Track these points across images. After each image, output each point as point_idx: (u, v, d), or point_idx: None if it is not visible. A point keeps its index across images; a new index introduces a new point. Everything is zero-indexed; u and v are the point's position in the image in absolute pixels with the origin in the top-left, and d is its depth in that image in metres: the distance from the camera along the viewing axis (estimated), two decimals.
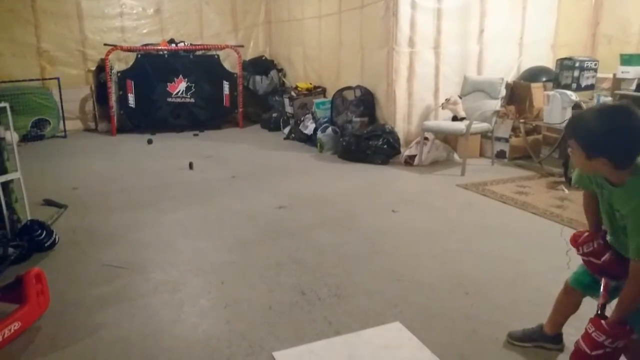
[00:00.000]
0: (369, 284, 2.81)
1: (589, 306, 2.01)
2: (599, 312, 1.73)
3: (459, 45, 5.82)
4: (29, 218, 3.42)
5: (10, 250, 3.03)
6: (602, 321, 1.65)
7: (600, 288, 1.81)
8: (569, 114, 4.93)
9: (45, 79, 7.49)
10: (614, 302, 1.73)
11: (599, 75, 5.52)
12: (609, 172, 1.63)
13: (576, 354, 1.71)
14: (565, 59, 5.50)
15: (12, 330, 2.26)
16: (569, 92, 4.91)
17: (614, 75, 5.51)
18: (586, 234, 1.87)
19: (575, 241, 1.88)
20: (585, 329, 1.69)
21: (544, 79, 5.88)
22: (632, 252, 1.60)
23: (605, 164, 1.59)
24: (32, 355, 2.22)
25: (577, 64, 5.38)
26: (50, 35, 7.57)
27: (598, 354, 1.62)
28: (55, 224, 3.72)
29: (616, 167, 1.59)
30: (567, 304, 2.09)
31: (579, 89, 5.31)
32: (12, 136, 3.36)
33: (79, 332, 2.38)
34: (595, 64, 5.45)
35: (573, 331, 2.28)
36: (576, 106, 5.01)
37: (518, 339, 2.22)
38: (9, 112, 3.32)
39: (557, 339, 2.19)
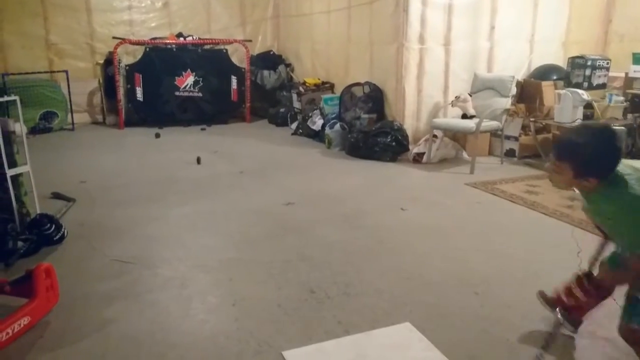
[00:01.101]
0: (378, 282, 2.80)
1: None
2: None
3: (469, 42, 5.78)
4: (38, 211, 3.43)
5: (20, 243, 3.04)
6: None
7: None
8: (580, 113, 4.88)
9: (54, 72, 7.50)
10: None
11: (610, 74, 5.46)
12: (592, 187, 1.74)
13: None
14: (577, 57, 5.44)
15: (22, 325, 2.26)
16: (580, 91, 4.86)
17: (626, 74, 5.46)
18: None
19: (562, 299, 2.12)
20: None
21: (554, 77, 5.82)
22: (629, 247, 1.76)
23: (593, 182, 1.71)
24: (41, 350, 2.21)
25: (588, 63, 5.32)
26: (58, 27, 7.58)
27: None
28: (64, 218, 3.72)
29: (600, 180, 1.71)
30: (592, 295, 2.09)
31: (590, 87, 5.26)
32: (22, 129, 3.36)
33: (87, 328, 2.38)
34: (607, 63, 5.38)
35: (586, 334, 2.27)
36: (588, 105, 4.97)
37: (546, 301, 2.27)
38: (19, 106, 3.33)
39: (575, 324, 2.18)
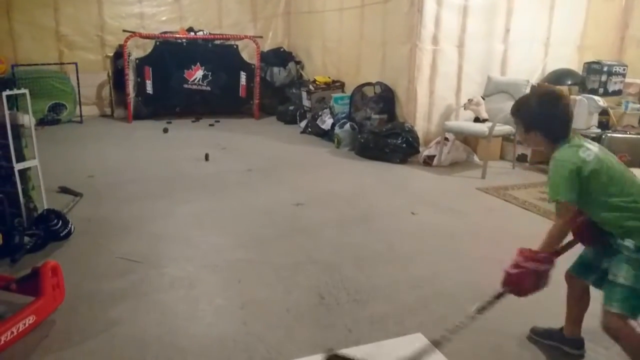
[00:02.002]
0: (389, 289, 2.74)
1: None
2: None
3: (483, 44, 5.71)
4: (45, 206, 3.39)
5: (26, 239, 3.00)
6: (524, 249, 1.93)
7: (592, 270, 2.06)
8: (595, 119, 4.81)
9: (64, 64, 7.47)
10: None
11: (626, 80, 5.38)
12: (545, 145, 1.99)
13: (503, 277, 1.96)
14: (593, 62, 5.37)
15: (27, 324, 2.22)
16: (596, 98, 4.79)
17: None
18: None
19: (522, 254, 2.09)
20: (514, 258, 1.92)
21: (569, 82, 5.74)
22: (551, 195, 1.93)
23: (539, 136, 1.98)
24: (46, 350, 2.18)
25: (605, 69, 5.25)
26: (69, 19, 7.55)
27: (513, 272, 1.90)
28: (70, 213, 3.69)
29: (550, 140, 1.97)
30: (573, 295, 2.18)
31: (606, 93, 5.19)
32: (30, 123, 3.32)
33: (93, 327, 2.34)
34: (624, 69, 5.31)
35: (603, 350, 2.21)
36: (603, 112, 4.89)
37: (539, 335, 2.28)
38: (28, 99, 3.29)
39: (576, 344, 2.20)
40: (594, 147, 1.93)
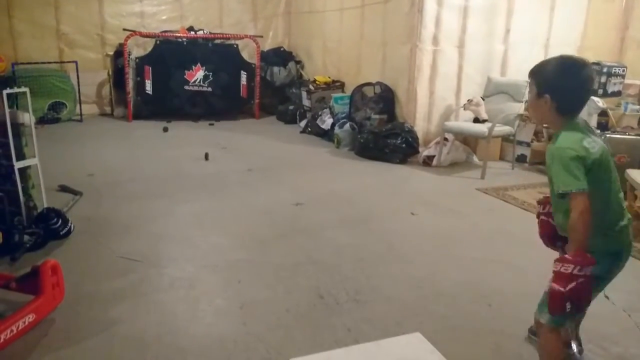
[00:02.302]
0: (388, 289, 2.75)
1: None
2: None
3: (483, 44, 5.71)
4: (45, 205, 3.39)
5: (26, 237, 3.00)
6: (565, 255, 1.69)
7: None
8: (594, 120, 4.81)
9: (64, 62, 7.47)
10: None
11: (626, 81, 5.38)
12: (551, 118, 1.79)
13: (552, 297, 1.68)
14: (593, 63, 5.35)
15: (26, 323, 2.22)
16: (595, 99, 4.80)
17: None
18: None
19: (545, 201, 2.05)
20: (553, 270, 1.68)
21: None
22: (558, 188, 1.69)
23: (548, 105, 1.75)
24: (46, 349, 2.18)
25: (604, 70, 5.25)
26: (69, 17, 7.54)
27: (572, 287, 1.62)
28: (70, 212, 3.69)
29: (558, 113, 1.76)
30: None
31: (605, 95, 5.19)
32: (31, 121, 3.32)
33: (93, 327, 2.34)
34: (624, 70, 5.31)
35: (600, 351, 2.22)
36: (603, 113, 4.90)
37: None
38: (28, 98, 3.29)
39: (575, 343, 2.17)
40: (599, 141, 1.76)
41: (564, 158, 1.67)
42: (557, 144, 1.73)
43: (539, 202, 2.11)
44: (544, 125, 1.88)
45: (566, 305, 1.65)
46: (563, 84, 1.74)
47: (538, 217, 2.11)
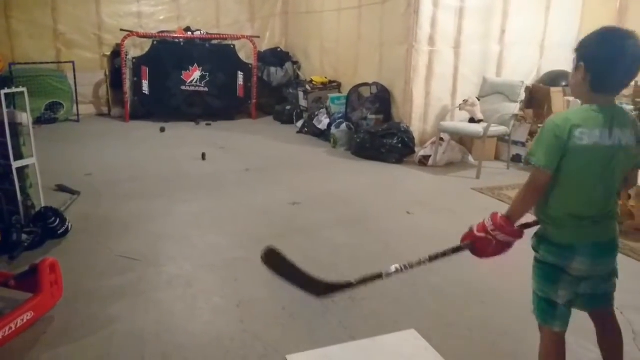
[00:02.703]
0: (384, 288, 2.76)
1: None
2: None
3: (479, 45, 5.75)
4: (43, 204, 3.41)
5: (24, 236, 3.02)
6: (498, 214, 1.73)
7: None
8: None
9: (61, 62, 7.48)
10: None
11: None
12: (583, 91, 1.62)
13: (466, 234, 1.85)
14: None
15: (25, 320, 2.24)
16: None
17: (636, 82, 5.41)
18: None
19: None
20: (483, 220, 1.78)
21: (563, 84, 5.78)
22: (528, 154, 1.71)
23: (582, 73, 1.58)
24: (44, 347, 2.20)
25: None
26: (67, 17, 7.55)
27: (480, 237, 1.76)
28: (68, 211, 3.71)
29: (591, 84, 1.57)
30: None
31: None
32: (29, 120, 3.34)
33: (92, 324, 2.36)
34: None
35: (592, 347, 2.25)
36: None
37: None
38: (26, 98, 3.30)
39: None
40: (618, 135, 1.58)
41: (545, 132, 1.60)
42: (550, 117, 1.66)
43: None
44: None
45: (466, 246, 1.84)
46: (599, 53, 1.55)
47: None
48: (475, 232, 1.78)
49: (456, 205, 4.19)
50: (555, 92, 5.65)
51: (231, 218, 3.79)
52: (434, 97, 5.73)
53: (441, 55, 5.62)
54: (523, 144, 5.55)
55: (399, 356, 2.21)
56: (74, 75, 7.30)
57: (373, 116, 5.98)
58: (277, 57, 8.47)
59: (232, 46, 7.86)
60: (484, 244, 1.77)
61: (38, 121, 6.83)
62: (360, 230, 3.61)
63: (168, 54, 7.46)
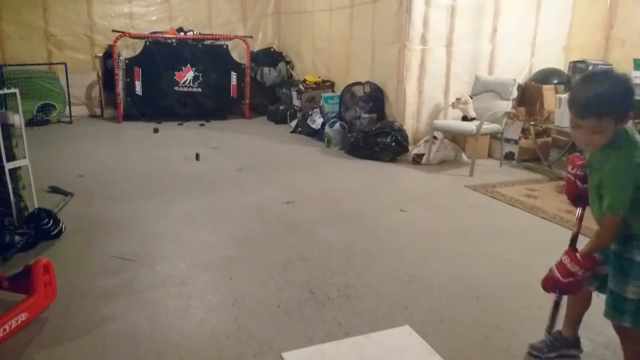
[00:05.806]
0: (378, 284, 2.79)
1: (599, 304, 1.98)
2: (571, 243, 1.99)
3: (471, 44, 5.78)
4: (36, 206, 3.40)
5: (17, 237, 3.01)
6: (577, 254, 1.82)
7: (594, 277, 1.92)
8: None
9: (53, 64, 7.45)
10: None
11: None
12: (609, 132, 1.71)
13: (549, 280, 1.91)
14: (578, 61, 5.44)
15: (19, 321, 2.23)
16: None
17: None
18: (584, 160, 1.97)
19: (574, 161, 2.03)
20: (561, 259, 1.87)
21: (555, 81, 5.82)
22: (604, 207, 1.73)
23: (608, 122, 1.68)
24: (39, 347, 2.19)
25: (590, 67, 5.31)
26: (58, 18, 7.53)
27: (569, 282, 1.83)
28: (62, 212, 3.70)
29: (617, 122, 1.70)
30: (576, 299, 2.12)
31: None
32: (21, 122, 3.33)
33: (86, 324, 2.36)
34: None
35: (585, 341, 2.27)
36: None
37: (540, 350, 2.15)
38: (18, 99, 3.29)
39: (578, 343, 2.18)
40: None
41: (624, 178, 1.69)
42: (618, 157, 1.70)
43: (569, 161, 2.08)
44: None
45: (556, 291, 1.94)
46: (620, 98, 1.70)
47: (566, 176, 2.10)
48: (561, 278, 1.85)
49: (449, 202, 4.21)
50: (547, 90, 5.69)
51: (225, 217, 3.79)
52: (426, 96, 5.75)
53: (433, 54, 5.65)
54: (516, 142, 5.59)
55: (393, 352, 2.22)
56: (66, 77, 7.27)
57: (366, 115, 6.00)
58: (269, 57, 8.47)
59: (225, 46, 7.86)
60: (572, 287, 1.87)
61: (30, 123, 6.80)
62: (353, 227, 3.62)
63: (160, 55, 7.45)
